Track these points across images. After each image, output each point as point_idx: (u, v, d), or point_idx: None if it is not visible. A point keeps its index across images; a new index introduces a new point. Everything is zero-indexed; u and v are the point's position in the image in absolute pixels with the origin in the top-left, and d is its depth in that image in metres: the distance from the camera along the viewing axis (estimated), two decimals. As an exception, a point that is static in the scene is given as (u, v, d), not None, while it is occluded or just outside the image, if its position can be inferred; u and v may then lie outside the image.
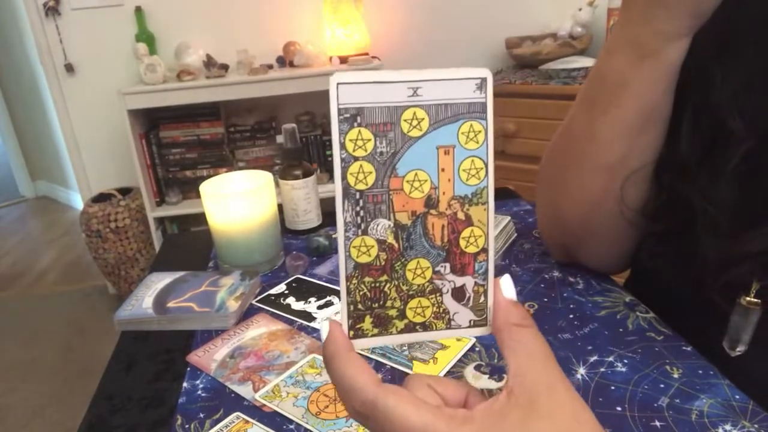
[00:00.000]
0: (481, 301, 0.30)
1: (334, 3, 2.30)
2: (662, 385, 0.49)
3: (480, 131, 0.29)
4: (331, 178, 2.44)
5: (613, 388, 0.49)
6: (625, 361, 0.52)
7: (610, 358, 0.53)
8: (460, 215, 0.29)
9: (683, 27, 0.47)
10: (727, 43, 0.47)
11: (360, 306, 0.29)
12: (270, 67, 2.29)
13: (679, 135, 0.50)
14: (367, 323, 0.30)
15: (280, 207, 0.83)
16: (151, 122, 2.33)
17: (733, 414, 0.45)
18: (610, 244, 0.61)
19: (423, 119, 0.28)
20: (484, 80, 0.28)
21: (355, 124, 0.27)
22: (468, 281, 0.30)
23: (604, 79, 0.53)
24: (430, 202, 0.29)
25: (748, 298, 0.46)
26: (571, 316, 0.60)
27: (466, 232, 0.29)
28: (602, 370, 0.52)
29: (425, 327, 0.31)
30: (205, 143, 2.35)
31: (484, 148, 0.29)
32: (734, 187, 0.45)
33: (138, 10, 2.28)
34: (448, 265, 0.30)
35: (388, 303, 0.30)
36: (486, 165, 0.29)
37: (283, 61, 2.31)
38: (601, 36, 2.27)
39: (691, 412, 0.46)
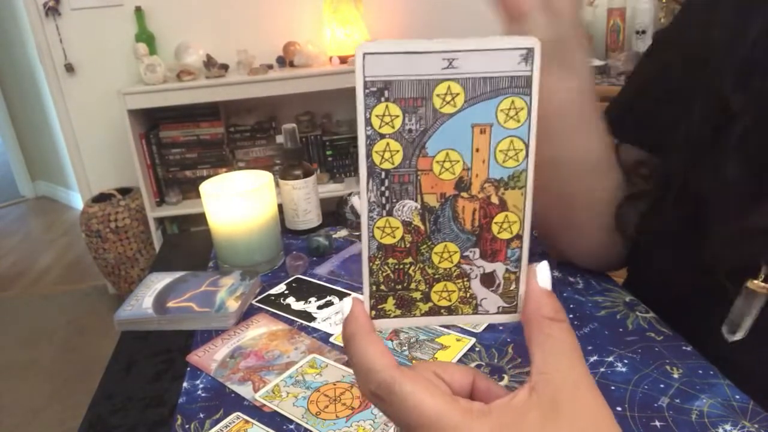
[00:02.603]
0: (512, 288, 0.29)
1: (334, 3, 2.30)
2: (662, 385, 0.49)
3: (522, 108, 0.26)
4: (332, 178, 2.46)
5: (613, 388, 0.49)
6: (625, 361, 0.52)
7: (610, 358, 0.53)
8: (494, 199, 0.27)
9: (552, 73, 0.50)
10: (731, 23, 0.47)
11: (383, 287, 0.28)
12: (270, 67, 2.29)
13: (690, 118, 0.50)
14: (390, 304, 0.29)
15: (280, 207, 0.83)
16: (151, 122, 2.33)
17: (733, 414, 0.45)
18: (581, 237, 0.63)
19: (458, 94, 0.25)
20: (530, 51, 0.25)
21: (383, 99, 0.25)
22: (498, 267, 0.28)
23: None
24: (462, 185, 0.27)
25: (756, 281, 0.46)
26: (571, 316, 0.60)
27: (499, 217, 0.27)
28: (602, 370, 0.52)
29: (450, 311, 0.29)
30: (205, 143, 2.35)
31: (525, 127, 0.26)
32: (741, 166, 0.45)
33: (138, 10, 2.28)
34: (477, 250, 0.28)
35: (413, 285, 0.28)
36: (527, 146, 0.26)
37: (283, 61, 2.31)
38: (601, 36, 2.27)
39: (691, 412, 0.46)
